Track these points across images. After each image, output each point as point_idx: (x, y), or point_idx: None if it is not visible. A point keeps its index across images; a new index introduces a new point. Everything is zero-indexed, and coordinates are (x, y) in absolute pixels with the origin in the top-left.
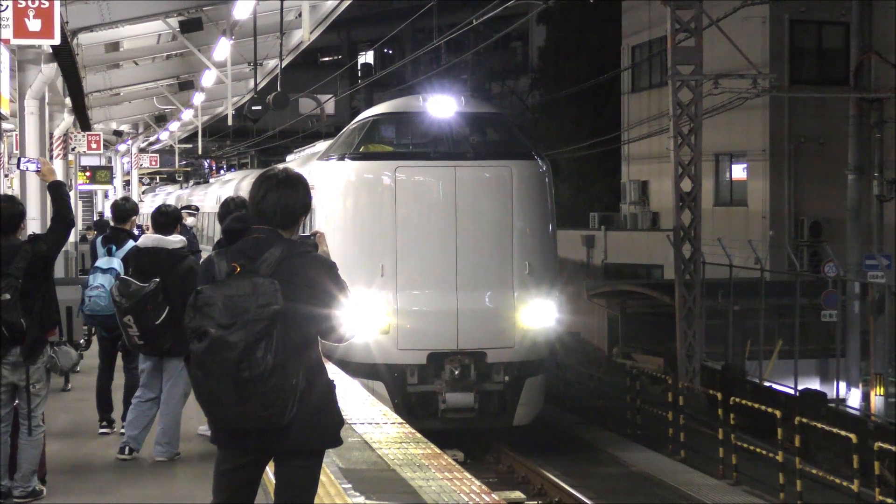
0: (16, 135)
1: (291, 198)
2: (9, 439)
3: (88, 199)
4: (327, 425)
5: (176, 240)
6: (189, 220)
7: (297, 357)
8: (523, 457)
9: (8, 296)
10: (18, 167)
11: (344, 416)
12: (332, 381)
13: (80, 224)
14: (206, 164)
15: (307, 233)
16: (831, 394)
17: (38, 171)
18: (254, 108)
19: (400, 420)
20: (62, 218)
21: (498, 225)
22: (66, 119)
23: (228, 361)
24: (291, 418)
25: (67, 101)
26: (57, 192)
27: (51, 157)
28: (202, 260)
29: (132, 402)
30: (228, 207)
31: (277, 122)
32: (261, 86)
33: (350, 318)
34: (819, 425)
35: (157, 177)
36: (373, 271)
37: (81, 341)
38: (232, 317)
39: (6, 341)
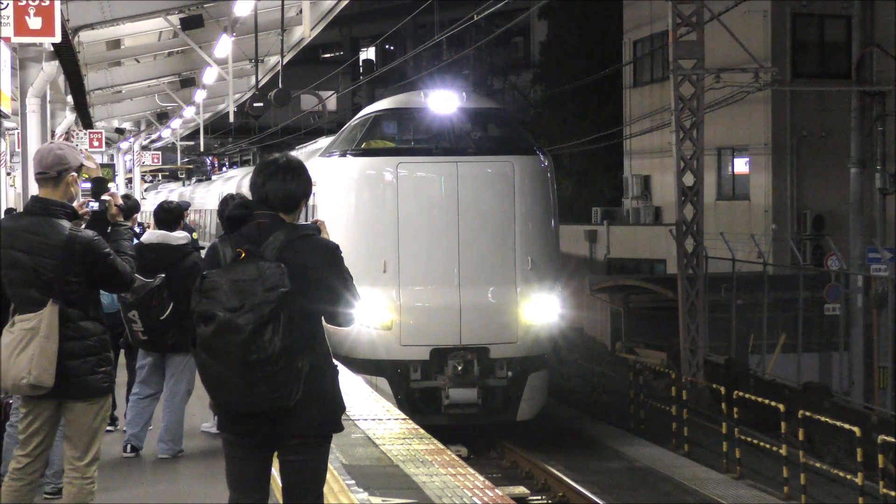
0: (17, 133)
1: (293, 182)
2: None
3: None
4: (331, 410)
5: (180, 236)
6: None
7: (304, 340)
8: (527, 452)
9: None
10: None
11: (347, 412)
12: (336, 366)
13: None
14: (209, 161)
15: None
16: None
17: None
18: (255, 104)
19: (403, 416)
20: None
21: (500, 220)
22: (68, 117)
23: (236, 344)
24: (297, 402)
25: (69, 98)
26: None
27: None
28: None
29: (130, 400)
30: (227, 205)
31: (279, 118)
32: (262, 82)
33: (353, 302)
34: (822, 419)
35: (160, 174)
36: (375, 267)
37: None
38: (240, 300)
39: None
